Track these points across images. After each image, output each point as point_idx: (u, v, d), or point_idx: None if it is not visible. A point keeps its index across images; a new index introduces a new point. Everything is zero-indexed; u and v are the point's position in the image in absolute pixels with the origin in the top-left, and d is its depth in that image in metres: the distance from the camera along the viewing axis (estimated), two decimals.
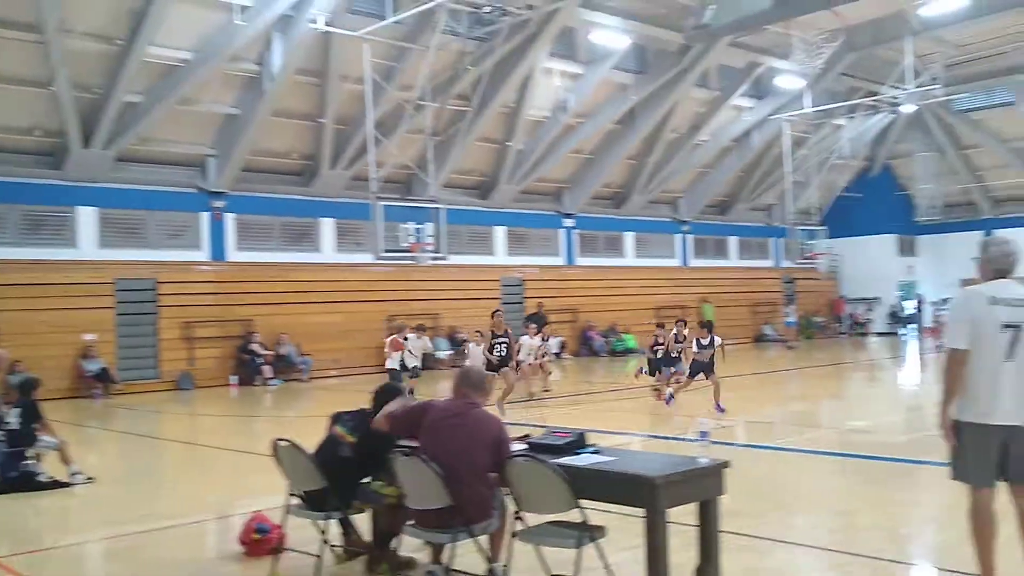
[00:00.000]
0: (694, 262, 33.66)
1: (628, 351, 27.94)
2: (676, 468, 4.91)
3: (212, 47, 19.44)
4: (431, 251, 21.38)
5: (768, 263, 36.47)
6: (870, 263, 36.79)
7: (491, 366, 13.71)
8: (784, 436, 12.18)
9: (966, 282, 5.11)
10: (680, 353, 14.76)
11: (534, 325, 17.80)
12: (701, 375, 13.74)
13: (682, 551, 5.06)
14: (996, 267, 4.86)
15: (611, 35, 23.97)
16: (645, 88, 26.80)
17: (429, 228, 21.40)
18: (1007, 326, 4.68)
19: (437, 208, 21.63)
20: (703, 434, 5.13)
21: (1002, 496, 4.84)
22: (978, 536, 4.83)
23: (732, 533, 5.86)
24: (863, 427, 11.78)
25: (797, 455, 10.51)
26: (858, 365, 25.57)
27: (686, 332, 15.02)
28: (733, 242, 35.47)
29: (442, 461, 4.89)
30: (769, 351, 29.94)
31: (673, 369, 14.69)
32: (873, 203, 37.02)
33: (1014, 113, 32.97)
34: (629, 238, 31.64)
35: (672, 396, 14.21)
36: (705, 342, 13.73)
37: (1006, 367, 4.70)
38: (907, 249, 37.67)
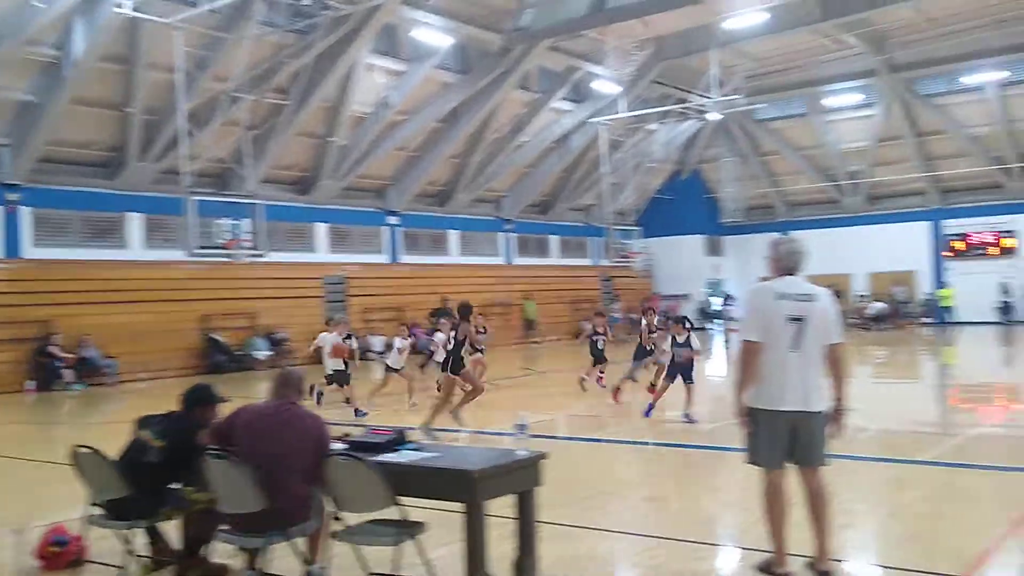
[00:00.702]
0: (517, 260, 34.30)
1: None
2: (493, 462, 4.98)
3: (6, 29, 18.00)
4: (248, 248, 20.69)
5: (587, 261, 37.67)
6: (681, 262, 38.72)
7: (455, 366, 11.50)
8: (604, 428, 12.59)
9: (763, 280, 5.52)
10: (654, 345, 13.77)
11: (445, 320, 17.33)
12: (679, 378, 12.20)
13: (503, 543, 5.14)
14: (784, 265, 5.29)
15: (433, 33, 24.04)
16: (468, 88, 27.05)
17: (246, 224, 20.71)
18: (792, 319, 5.09)
19: (255, 203, 20.96)
20: (521, 427, 5.23)
21: (796, 478, 5.22)
22: (770, 515, 5.21)
23: (550, 523, 6.00)
24: (675, 417, 12.34)
25: (616, 445, 10.90)
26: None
27: (655, 322, 14.18)
28: (554, 241, 36.42)
29: (258, 463, 4.75)
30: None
31: (646, 361, 13.85)
32: (684, 205, 39.03)
33: (806, 123, 35.66)
34: (453, 236, 31.85)
35: (652, 406, 12.51)
36: (681, 340, 12.22)
37: (792, 357, 5.09)
38: (715, 249, 39.88)
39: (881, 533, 6.70)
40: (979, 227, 34.86)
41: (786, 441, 5.15)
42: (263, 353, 23.48)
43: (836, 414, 5.19)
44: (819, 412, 5.14)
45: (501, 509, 5.11)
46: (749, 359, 5.20)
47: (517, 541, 5.16)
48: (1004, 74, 30.36)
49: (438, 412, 11.20)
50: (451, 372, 11.38)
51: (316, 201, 26.80)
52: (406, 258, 29.91)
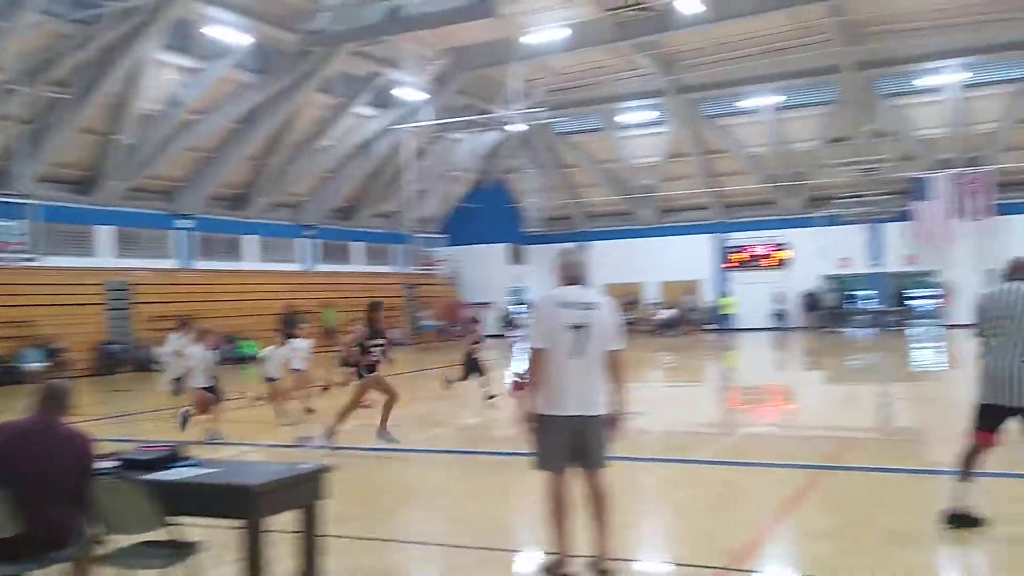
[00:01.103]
0: (318, 267, 33.58)
1: (248, 358, 27.10)
2: (274, 476, 4.81)
3: None
4: (20, 251, 19.09)
5: (391, 269, 37.45)
6: (485, 270, 39.29)
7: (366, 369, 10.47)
8: (405, 437, 12.50)
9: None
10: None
11: (304, 326, 16.43)
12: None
13: (288, 559, 4.97)
14: (568, 274, 5.47)
15: (229, 31, 23.15)
16: (267, 89, 26.25)
17: (19, 226, 19.11)
18: (573, 327, 5.25)
19: (30, 204, 19.37)
20: (306, 439, 5.08)
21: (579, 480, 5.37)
22: (553, 518, 5.35)
23: (342, 536, 5.88)
24: (476, 424, 12.46)
25: (417, 455, 10.84)
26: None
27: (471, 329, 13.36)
28: (357, 247, 35.95)
29: (14, 485, 4.35)
30: (394, 354, 30.61)
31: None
32: (488, 214, 39.65)
33: (603, 138, 37.18)
34: (251, 241, 30.75)
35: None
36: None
37: (572, 364, 5.26)
38: (518, 257, 40.73)
39: (660, 531, 7.03)
40: (757, 240, 37.58)
41: (569, 445, 5.31)
42: (36, 365, 21.67)
43: (615, 418, 5.39)
44: (599, 416, 5.33)
45: (291, 524, 4.95)
46: (535, 366, 5.37)
47: (301, 557, 5.01)
48: (779, 99, 32.97)
49: (346, 415, 10.08)
50: (362, 375, 10.33)
51: (99, 202, 25.08)
52: (200, 264, 28.56)
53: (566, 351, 5.24)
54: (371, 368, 10.34)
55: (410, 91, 29.75)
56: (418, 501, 8.30)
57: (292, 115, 27.67)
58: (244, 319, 28.42)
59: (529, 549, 6.39)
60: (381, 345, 10.52)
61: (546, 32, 27.03)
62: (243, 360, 26.99)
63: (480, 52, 30.01)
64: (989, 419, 6.20)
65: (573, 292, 5.40)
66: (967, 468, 6.33)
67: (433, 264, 34.83)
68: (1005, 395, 6.01)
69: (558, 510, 5.33)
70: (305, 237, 33.05)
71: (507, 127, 32.77)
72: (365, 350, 10.42)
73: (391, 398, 10.45)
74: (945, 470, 8.95)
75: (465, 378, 14.34)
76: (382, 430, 10.28)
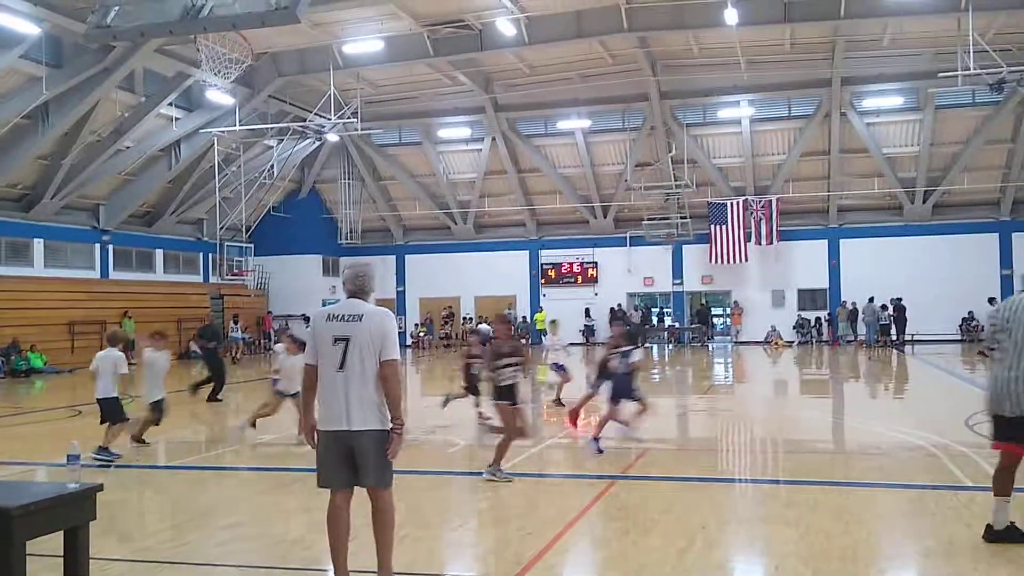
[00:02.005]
0: (115, 275, 31.63)
1: (33, 371, 25.17)
2: (36, 497, 4.46)
3: None
4: None
5: (197, 278, 35.83)
6: (297, 281, 38.31)
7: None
8: (196, 452, 11.95)
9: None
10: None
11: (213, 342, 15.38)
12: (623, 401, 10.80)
13: None
14: (349, 288, 5.43)
15: (16, 20, 21.43)
16: (61, 83, 24.54)
17: None
18: (337, 340, 5.22)
19: None
20: (74, 458, 4.74)
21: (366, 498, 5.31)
22: (331, 536, 5.28)
23: (116, 560, 5.53)
24: (270, 440, 12.09)
25: (209, 472, 10.38)
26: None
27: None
28: (159, 255, 34.13)
29: None
30: (198, 367, 29.29)
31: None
32: (301, 224, 38.75)
33: (422, 152, 37.27)
34: (38, 245, 28.56)
35: (597, 442, 10.49)
36: (627, 350, 10.75)
37: (338, 377, 5.20)
38: (332, 269, 40.02)
39: (451, 543, 7.06)
40: (569, 258, 38.81)
41: (344, 462, 5.21)
42: None
43: (393, 433, 5.26)
44: (370, 431, 5.19)
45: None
46: (307, 381, 5.39)
47: None
48: (587, 123, 34.24)
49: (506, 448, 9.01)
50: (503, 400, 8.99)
51: None
52: None
53: (332, 365, 5.19)
54: (507, 391, 8.96)
55: (220, 94, 28.67)
56: (206, 521, 7.94)
57: (89, 112, 25.96)
58: (28, 329, 26.39)
59: (316, 568, 6.25)
60: (515, 364, 9.05)
61: (364, 43, 26.83)
62: (24, 373, 25.04)
63: (296, 59, 29.39)
64: (1004, 430, 6.33)
65: (343, 305, 5.36)
66: (1000, 482, 6.34)
67: (242, 274, 33.62)
68: (1006, 406, 6.24)
69: (333, 529, 5.26)
70: (101, 243, 31.05)
71: (323, 136, 32.20)
72: (495, 368, 8.97)
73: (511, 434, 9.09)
74: (732, 478, 9.57)
75: (466, 396, 13.10)
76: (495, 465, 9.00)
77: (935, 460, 9.85)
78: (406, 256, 40.46)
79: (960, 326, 33.91)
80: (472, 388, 12.81)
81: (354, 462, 5.19)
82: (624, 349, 10.80)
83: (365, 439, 5.17)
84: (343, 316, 5.25)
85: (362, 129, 30.96)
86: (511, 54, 29.33)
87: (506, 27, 25.70)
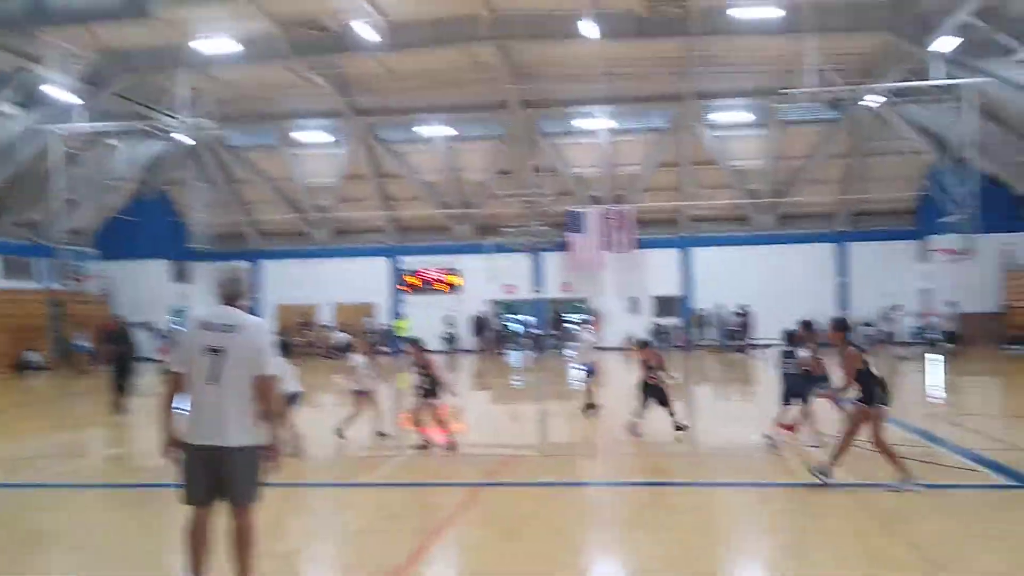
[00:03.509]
0: None
1: None
2: None
3: None
4: None
5: (34, 284, 33.59)
6: (144, 287, 36.51)
7: None
8: (46, 469, 11.19)
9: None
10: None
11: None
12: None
13: None
14: (221, 294, 5.17)
15: None
16: None
17: None
18: (210, 350, 4.96)
19: None
20: None
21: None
22: (189, 553, 5.02)
23: None
24: (123, 454, 11.48)
25: (58, 489, 9.72)
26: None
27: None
28: None
29: None
30: (35, 379, 27.54)
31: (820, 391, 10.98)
32: (148, 227, 36.92)
33: (278, 155, 36.33)
34: None
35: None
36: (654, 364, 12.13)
37: (208, 389, 4.95)
38: (182, 275, 38.39)
39: (310, 557, 6.87)
40: (430, 265, 38.67)
41: (209, 477, 4.96)
42: None
43: (269, 449, 5.08)
44: (241, 448, 4.98)
45: None
46: (168, 390, 5.09)
47: None
48: (450, 130, 34.23)
49: (844, 451, 8.60)
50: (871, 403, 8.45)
51: None
52: None
53: (203, 376, 4.94)
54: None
55: (60, 91, 27.03)
56: (53, 540, 7.43)
57: None
58: None
59: None
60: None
61: (217, 42, 25.90)
62: None
63: (146, 57, 28.06)
64: None
65: (217, 313, 5.11)
66: None
67: (83, 280, 31.73)
68: None
69: (191, 546, 5.01)
70: None
71: (172, 137, 30.82)
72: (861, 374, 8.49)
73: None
74: (595, 482, 9.72)
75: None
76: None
77: (781, 459, 10.32)
78: (262, 262, 39.28)
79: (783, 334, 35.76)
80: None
81: (218, 478, 4.94)
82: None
83: (238, 455, 4.94)
84: (217, 325, 4.98)
85: (216, 130, 29.89)
86: (371, 59, 29.01)
87: (366, 31, 25.38)
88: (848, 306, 35.79)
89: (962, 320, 31.23)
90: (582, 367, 15.80)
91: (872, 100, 27.53)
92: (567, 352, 36.02)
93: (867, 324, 34.59)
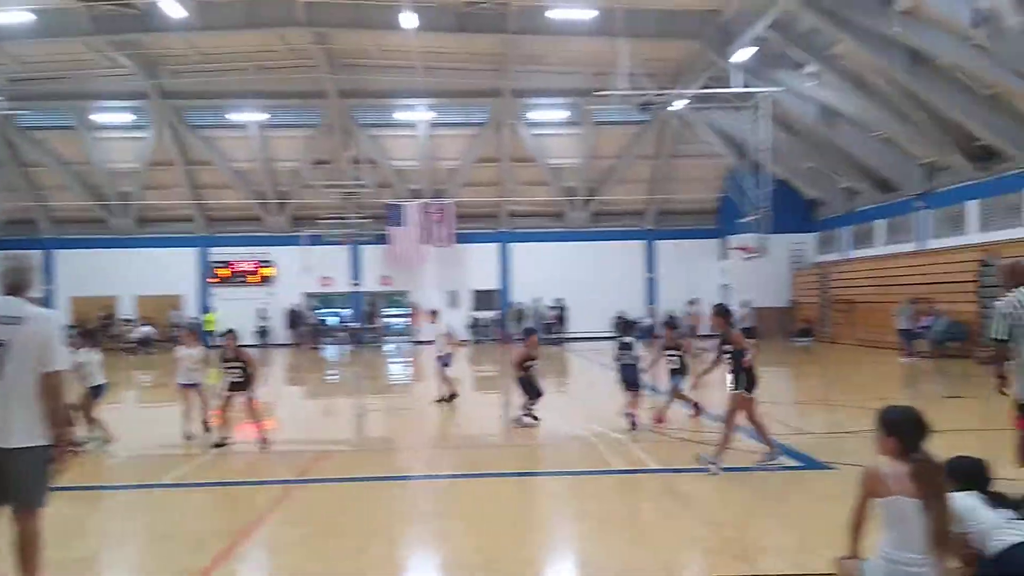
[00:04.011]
0: None
1: None
2: None
3: None
4: None
5: None
6: None
7: None
8: None
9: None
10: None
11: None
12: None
13: None
14: (4, 284, 4.75)
15: None
16: None
17: None
18: None
19: None
20: None
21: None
22: None
23: None
24: None
25: None
26: None
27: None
28: None
29: None
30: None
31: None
32: None
33: (75, 137, 33.89)
34: None
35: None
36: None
37: None
38: None
39: (109, 563, 6.46)
40: (241, 256, 37.29)
41: None
42: None
43: (59, 451, 4.69)
44: (30, 448, 4.60)
45: None
46: None
47: None
48: (265, 116, 33.10)
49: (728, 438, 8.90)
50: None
51: None
52: None
53: None
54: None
55: None
56: None
57: None
58: None
59: None
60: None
61: (8, 13, 23.82)
62: None
63: None
64: None
65: (5, 303, 4.66)
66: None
67: None
68: None
69: None
70: None
71: None
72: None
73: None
74: (410, 475, 9.65)
75: None
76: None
77: (595, 448, 10.65)
78: (55, 251, 36.53)
79: (615, 325, 37.14)
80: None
81: (4, 481, 4.50)
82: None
83: (24, 457, 4.54)
84: (3, 318, 4.53)
85: (4, 109, 27.54)
86: (179, 38, 27.60)
87: (173, 8, 24.06)
88: (655, 301, 37.58)
89: (757, 314, 33.40)
90: (440, 359, 15.80)
91: (679, 105, 28.96)
92: (386, 347, 35.79)
93: (671, 318, 36.38)
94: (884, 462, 4.20)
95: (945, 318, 23.86)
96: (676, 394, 12.61)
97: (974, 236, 24.59)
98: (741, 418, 9.04)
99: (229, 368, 11.05)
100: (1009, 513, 4.31)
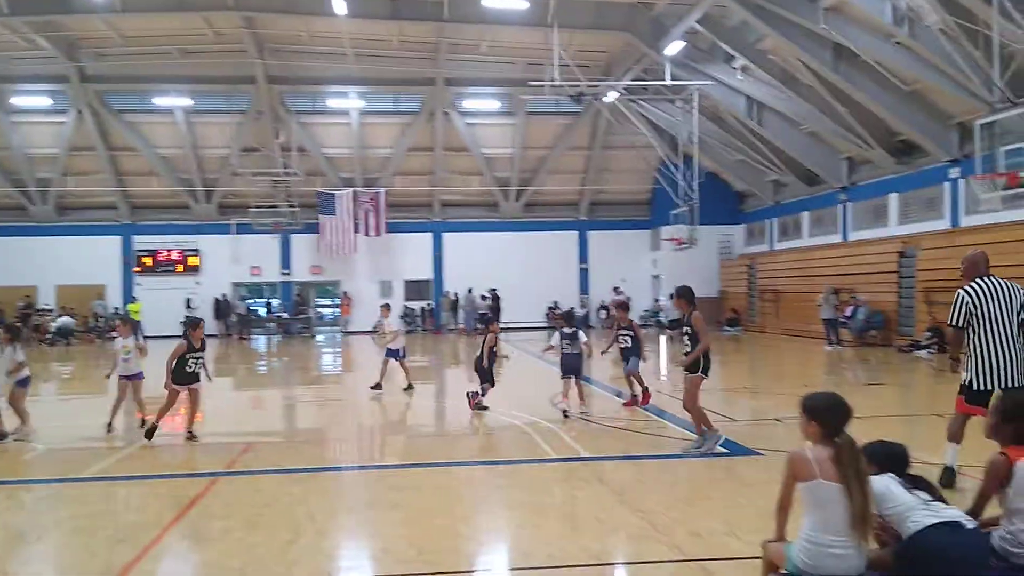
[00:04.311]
0: None
1: None
2: None
3: None
4: None
5: None
6: None
7: None
8: None
9: None
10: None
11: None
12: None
13: None
14: None
15: None
16: None
17: None
18: None
19: None
20: None
21: None
22: None
23: None
24: None
25: None
26: None
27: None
28: None
29: None
30: None
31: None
32: None
33: None
34: None
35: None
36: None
37: None
38: None
39: (24, 560, 6.24)
40: (167, 244, 36.42)
41: None
42: None
43: None
44: None
45: None
46: None
47: None
48: (189, 102, 32.32)
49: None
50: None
51: None
52: None
53: None
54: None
55: None
56: None
57: None
58: None
59: None
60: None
61: None
62: None
63: None
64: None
65: None
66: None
67: None
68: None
69: None
70: None
71: None
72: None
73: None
74: (340, 466, 9.55)
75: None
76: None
77: (526, 437, 10.68)
78: None
79: (547, 314, 37.30)
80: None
81: None
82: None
83: None
84: None
85: None
86: (101, 20, 26.75)
87: None
88: (588, 291, 37.89)
89: None
90: (392, 350, 15.86)
91: (611, 96, 29.16)
92: (317, 337, 35.35)
93: (603, 307, 36.76)
94: (807, 447, 4.30)
95: (866, 307, 24.55)
96: (632, 376, 12.85)
97: (895, 228, 25.33)
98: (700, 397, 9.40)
99: (196, 359, 10.76)
100: (925, 495, 4.43)
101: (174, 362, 10.55)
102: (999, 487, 4.49)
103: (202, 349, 10.86)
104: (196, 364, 10.74)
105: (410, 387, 15.69)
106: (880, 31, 20.45)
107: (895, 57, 20.71)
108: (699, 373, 9.26)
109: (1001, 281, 7.18)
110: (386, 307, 17.01)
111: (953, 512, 4.33)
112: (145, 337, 27.16)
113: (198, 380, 10.89)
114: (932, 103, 22.29)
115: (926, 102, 22.40)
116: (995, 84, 14.99)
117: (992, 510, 4.74)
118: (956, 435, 7.27)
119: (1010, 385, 6.99)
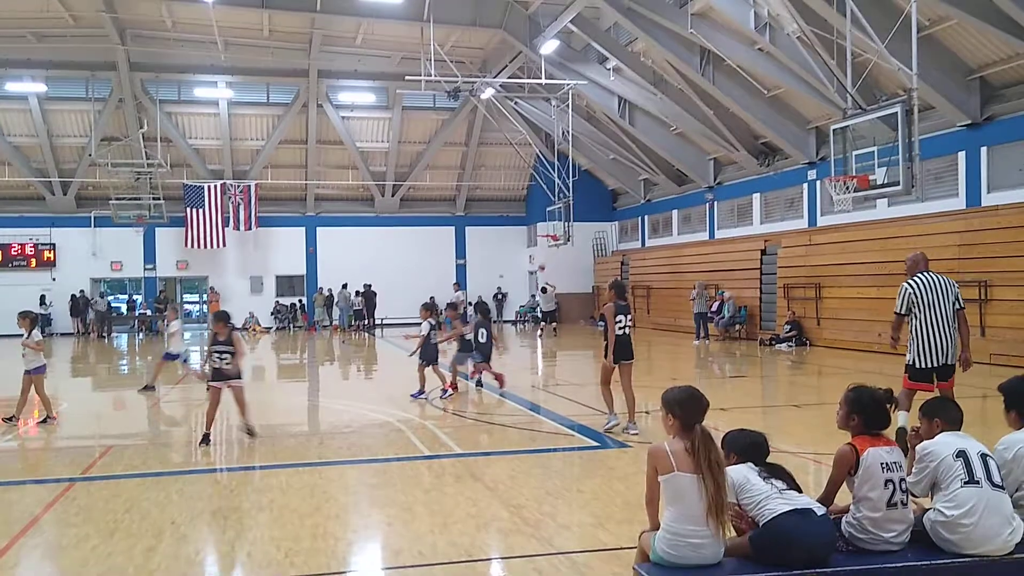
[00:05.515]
0: None
1: None
2: None
3: None
4: None
5: None
6: None
7: None
8: None
9: None
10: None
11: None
12: None
13: None
14: None
15: None
16: None
17: None
18: None
19: None
20: None
21: None
22: None
23: None
24: None
25: None
26: None
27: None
28: None
29: None
30: None
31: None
32: None
33: None
34: None
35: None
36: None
37: None
38: None
39: None
40: (20, 238, 34.41)
41: None
42: None
43: None
44: None
45: None
46: None
47: None
48: (44, 88, 30.58)
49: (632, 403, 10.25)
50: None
51: None
52: None
53: None
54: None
55: None
56: None
57: None
58: None
59: None
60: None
61: None
62: None
63: None
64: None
65: None
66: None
67: None
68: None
69: None
70: None
71: None
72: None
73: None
74: (203, 469, 9.23)
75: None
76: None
77: (400, 434, 10.60)
78: None
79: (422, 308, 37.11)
80: None
81: None
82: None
83: None
84: None
85: None
86: None
87: None
88: (465, 286, 37.94)
89: (560, 300, 34.40)
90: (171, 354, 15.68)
91: (488, 92, 29.28)
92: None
93: (480, 301, 36.83)
94: (668, 440, 4.42)
95: (732, 303, 25.52)
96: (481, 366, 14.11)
97: (758, 227, 26.43)
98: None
99: (220, 354, 10.16)
100: (781, 484, 4.62)
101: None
102: (847, 475, 4.72)
103: (228, 343, 10.35)
104: (221, 359, 10.27)
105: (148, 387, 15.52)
106: (744, 38, 21.26)
107: (758, 63, 21.59)
108: (606, 359, 10.10)
109: (938, 276, 8.39)
110: (173, 309, 16.88)
111: (805, 500, 4.53)
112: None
113: (234, 377, 10.39)
114: (792, 108, 23.35)
115: (786, 107, 23.45)
116: (847, 91, 15.84)
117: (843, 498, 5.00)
118: (905, 406, 8.21)
119: (947, 363, 8.24)
